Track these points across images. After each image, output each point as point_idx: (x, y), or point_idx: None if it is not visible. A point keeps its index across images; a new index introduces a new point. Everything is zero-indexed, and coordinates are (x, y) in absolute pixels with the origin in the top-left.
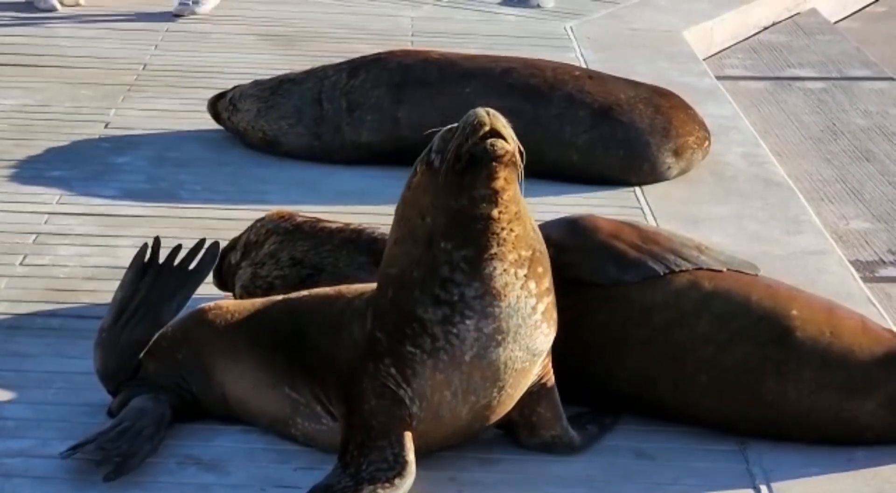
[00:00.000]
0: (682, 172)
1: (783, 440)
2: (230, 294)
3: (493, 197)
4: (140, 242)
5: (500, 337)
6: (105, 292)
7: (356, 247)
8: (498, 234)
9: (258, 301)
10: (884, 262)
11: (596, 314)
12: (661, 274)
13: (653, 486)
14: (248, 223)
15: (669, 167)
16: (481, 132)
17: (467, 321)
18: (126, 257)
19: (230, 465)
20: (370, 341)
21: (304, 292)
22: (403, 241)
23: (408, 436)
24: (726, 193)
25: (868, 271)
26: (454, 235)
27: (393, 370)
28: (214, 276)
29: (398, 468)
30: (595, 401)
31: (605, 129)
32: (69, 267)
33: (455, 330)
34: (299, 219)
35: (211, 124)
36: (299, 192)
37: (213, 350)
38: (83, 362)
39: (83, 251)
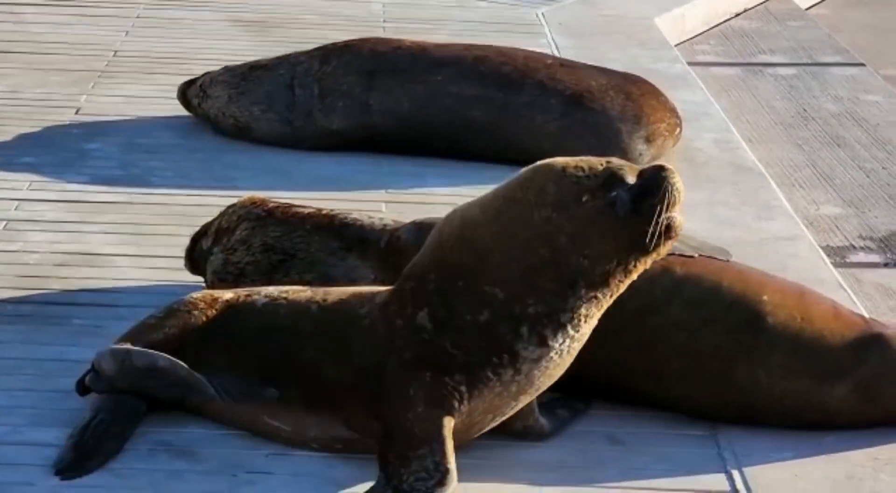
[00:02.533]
0: (654, 158)
1: (754, 425)
2: (203, 281)
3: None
4: (111, 229)
5: (558, 371)
6: (76, 278)
7: (328, 232)
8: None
9: (241, 306)
10: (854, 247)
11: None
12: None
13: (625, 471)
14: (220, 209)
15: (641, 154)
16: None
17: (551, 362)
18: (96, 243)
19: (202, 451)
20: (435, 352)
21: (296, 296)
22: (534, 271)
23: (449, 444)
24: (697, 179)
25: (839, 256)
26: (604, 285)
27: (463, 388)
28: (186, 260)
29: (438, 477)
30: (568, 387)
31: (576, 116)
32: (40, 253)
33: (538, 369)
34: (271, 205)
35: (182, 111)
36: (271, 178)
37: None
38: (53, 348)
39: (54, 238)
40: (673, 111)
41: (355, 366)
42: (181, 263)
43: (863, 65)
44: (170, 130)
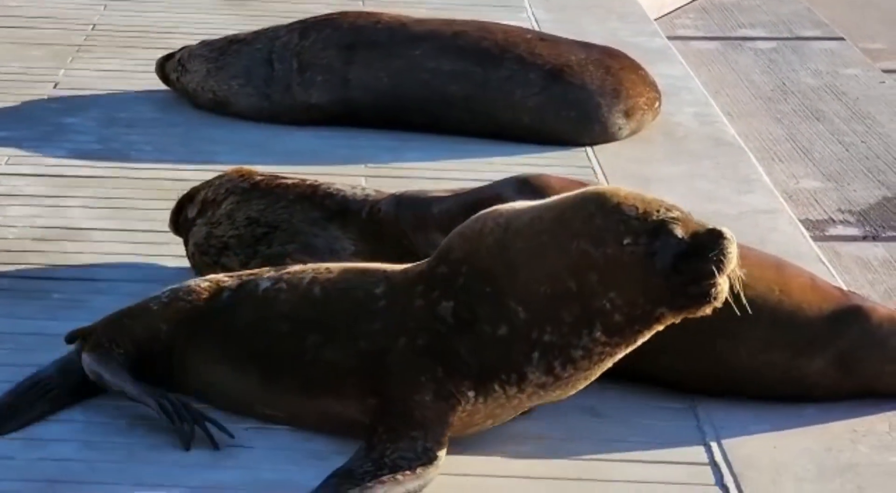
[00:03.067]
0: (634, 132)
1: (733, 397)
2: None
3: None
4: (90, 203)
5: (564, 395)
6: (54, 252)
7: (311, 202)
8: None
9: (242, 293)
10: (833, 220)
11: None
12: None
13: (604, 443)
14: (199, 184)
15: (620, 128)
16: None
17: (555, 389)
18: (76, 217)
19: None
20: (448, 350)
21: (297, 279)
22: (558, 300)
23: (446, 436)
24: (677, 153)
25: (818, 229)
26: (620, 333)
27: (470, 393)
28: (171, 222)
29: (424, 460)
30: None
31: (555, 91)
32: (18, 228)
33: (542, 393)
34: (257, 177)
35: (160, 85)
36: (250, 152)
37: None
38: (32, 322)
39: (32, 212)
40: (652, 85)
41: (361, 349)
42: (160, 236)
43: (842, 39)
44: (148, 105)
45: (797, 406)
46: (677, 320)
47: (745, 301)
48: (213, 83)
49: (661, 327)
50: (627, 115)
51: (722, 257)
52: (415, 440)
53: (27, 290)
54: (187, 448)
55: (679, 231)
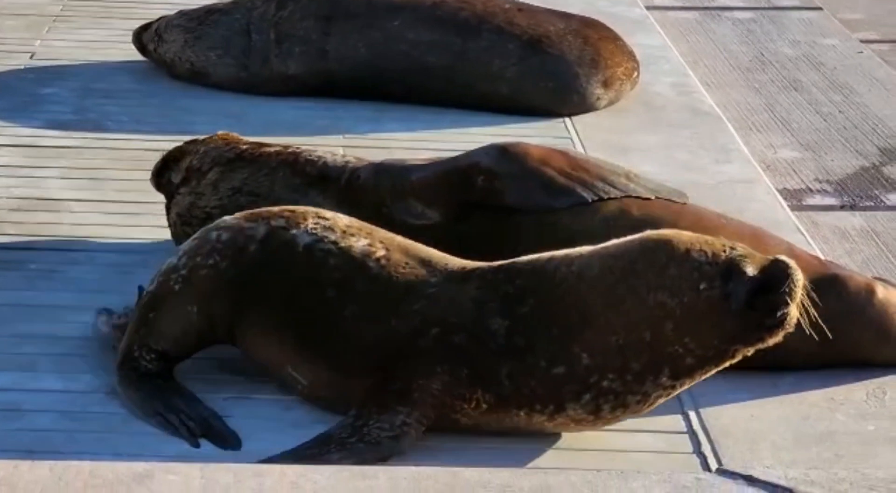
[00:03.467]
0: (612, 102)
1: None
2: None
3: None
4: (67, 173)
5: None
6: (31, 223)
7: (292, 169)
8: None
9: (300, 237)
10: (811, 190)
11: (525, 242)
12: (590, 201)
13: None
14: (187, 142)
15: (599, 98)
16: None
17: (585, 424)
18: (53, 188)
19: None
20: (485, 364)
21: (349, 244)
22: (629, 350)
23: (429, 420)
24: (655, 123)
25: (795, 199)
26: (689, 374)
27: (485, 406)
28: (154, 178)
29: (395, 433)
30: None
31: (534, 61)
32: None
33: (573, 425)
34: (242, 146)
35: (138, 55)
36: (228, 123)
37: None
38: (9, 293)
39: (9, 183)
40: (630, 55)
41: (392, 326)
42: (138, 207)
43: (820, 9)
44: (125, 75)
45: (774, 375)
46: (749, 353)
47: (816, 320)
48: (191, 53)
49: (733, 362)
50: (606, 85)
51: (792, 287)
52: (398, 414)
53: (4, 260)
54: (197, 447)
55: (749, 269)
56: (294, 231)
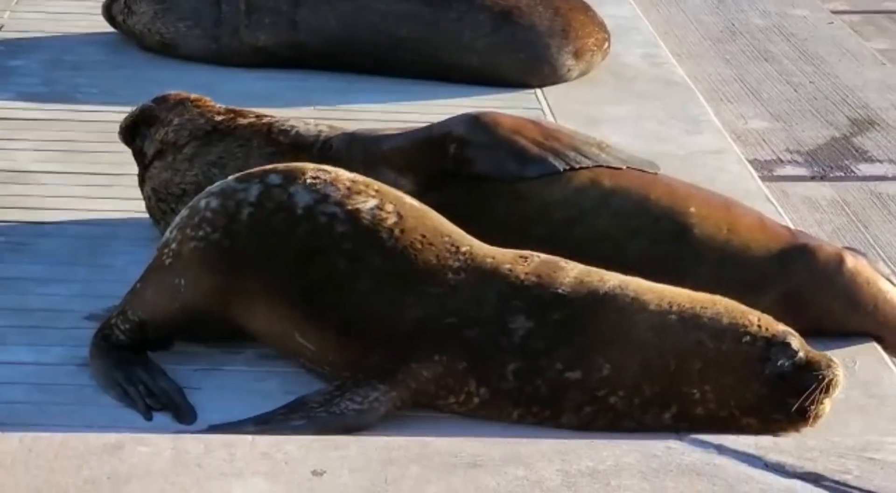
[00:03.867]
0: (583, 73)
1: None
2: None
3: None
4: (38, 146)
5: None
6: (2, 195)
7: (266, 139)
8: None
9: (300, 197)
10: (781, 160)
11: (496, 211)
12: (561, 170)
13: None
14: (154, 104)
15: (569, 69)
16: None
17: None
18: (23, 160)
19: None
20: (493, 359)
21: (359, 212)
22: (650, 374)
23: (404, 404)
24: (626, 94)
25: (766, 169)
26: (691, 423)
27: (476, 400)
28: (124, 134)
29: (363, 407)
30: None
31: (504, 32)
32: None
33: (553, 425)
34: (217, 117)
35: (107, 27)
36: (197, 94)
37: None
38: None
39: None
40: (601, 26)
41: (406, 304)
42: (108, 179)
43: None
44: (95, 47)
45: None
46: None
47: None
48: (161, 25)
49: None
50: (576, 56)
51: (831, 379)
52: (374, 389)
53: None
54: (149, 420)
55: (797, 346)
56: (291, 189)
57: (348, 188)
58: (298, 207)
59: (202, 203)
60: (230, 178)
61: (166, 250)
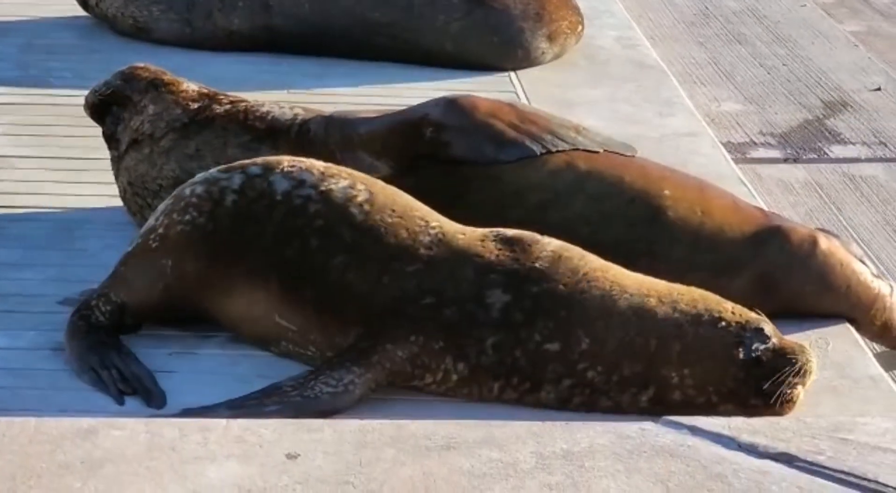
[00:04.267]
0: (557, 56)
1: None
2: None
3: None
4: (10, 130)
5: None
6: None
7: (242, 125)
8: None
9: (279, 183)
10: (755, 143)
11: (472, 194)
12: (538, 154)
13: None
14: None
15: (543, 52)
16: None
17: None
18: None
19: None
20: (470, 335)
21: (331, 192)
22: (629, 352)
23: (379, 386)
24: (600, 77)
25: (739, 152)
26: (667, 408)
27: (454, 377)
28: (91, 110)
29: (337, 390)
30: None
31: (478, 15)
32: None
33: (534, 403)
34: (192, 106)
35: (80, 11)
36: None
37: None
38: None
39: None
40: (575, 9)
41: (383, 283)
42: (82, 163)
43: None
44: (68, 31)
45: None
46: None
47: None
48: (134, 9)
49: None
50: (550, 39)
51: (805, 364)
52: (349, 372)
53: None
54: (121, 404)
55: (770, 331)
56: (271, 177)
57: (322, 173)
58: (277, 194)
59: (187, 191)
60: (213, 169)
61: (152, 235)
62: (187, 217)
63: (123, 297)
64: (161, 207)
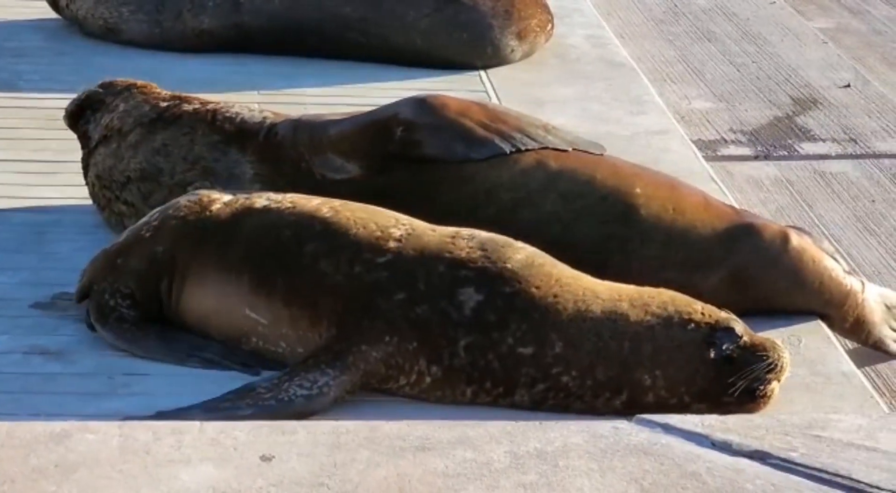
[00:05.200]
0: (526, 55)
1: None
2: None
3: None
4: None
5: None
6: None
7: (211, 127)
8: None
9: (240, 207)
10: (725, 140)
11: (444, 194)
12: (508, 152)
13: None
14: (101, 89)
15: (513, 50)
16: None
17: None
18: None
19: (76, 354)
20: (443, 336)
21: (302, 201)
22: (602, 357)
23: (354, 387)
24: (570, 75)
25: (710, 149)
26: (641, 410)
27: (428, 379)
28: (69, 118)
29: (312, 393)
30: None
31: (447, 12)
32: None
33: (506, 404)
34: (162, 103)
35: (50, 13)
36: (141, 81)
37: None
38: None
39: None
40: (545, 7)
41: (355, 273)
42: (52, 166)
43: None
44: (37, 33)
45: None
46: None
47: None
48: (104, 10)
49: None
50: (520, 37)
51: (776, 360)
52: (324, 374)
53: None
54: (258, 374)
55: (740, 329)
56: (254, 198)
57: (295, 198)
58: (258, 205)
59: (182, 199)
60: (205, 191)
61: (146, 227)
62: (181, 214)
63: (132, 285)
64: (154, 210)
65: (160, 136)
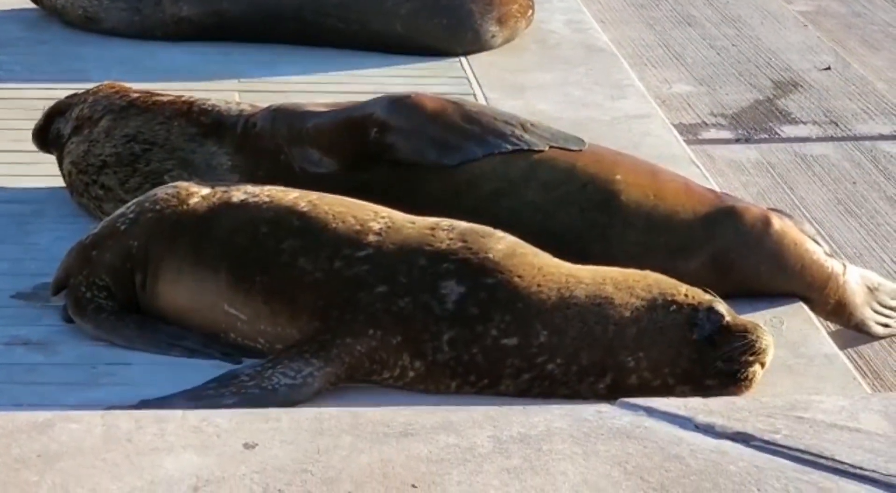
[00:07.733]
0: (507, 40)
1: None
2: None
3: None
4: None
5: None
6: None
7: (187, 118)
8: None
9: (218, 200)
10: (706, 124)
11: (426, 184)
12: (481, 157)
13: None
14: (65, 97)
15: (494, 36)
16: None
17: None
18: None
19: (59, 345)
20: (427, 329)
21: (280, 195)
22: (587, 342)
23: (338, 380)
24: (551, 61)
25: (691, 133)
26: (625, 393)
27: (411, 374)
28: (36, 137)
29: (296, 382)
30: None
31: None
32: None
33: (491, 392)
34: (133, 94)
35: (28, 3)
36: (121, 69)
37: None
38: None
39: None
40: None
41: (335, 269)
42: (31, 156)
43: None
44: (16, 23)
45: None
46: None
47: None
48: None
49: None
50: (500, 22)
51: (758, 341)
52: (308, 364)
53: None
54: (239, 363)
55: (722, 310)
56: (232, 192)
57: (272, 191)
58: (235, 199)
59: (159, 191)
60: (184, 182)
61: (121, 219)
62: (157, 207)
63: (107, 278)
64: (132, 201)
65: (133, 122)
